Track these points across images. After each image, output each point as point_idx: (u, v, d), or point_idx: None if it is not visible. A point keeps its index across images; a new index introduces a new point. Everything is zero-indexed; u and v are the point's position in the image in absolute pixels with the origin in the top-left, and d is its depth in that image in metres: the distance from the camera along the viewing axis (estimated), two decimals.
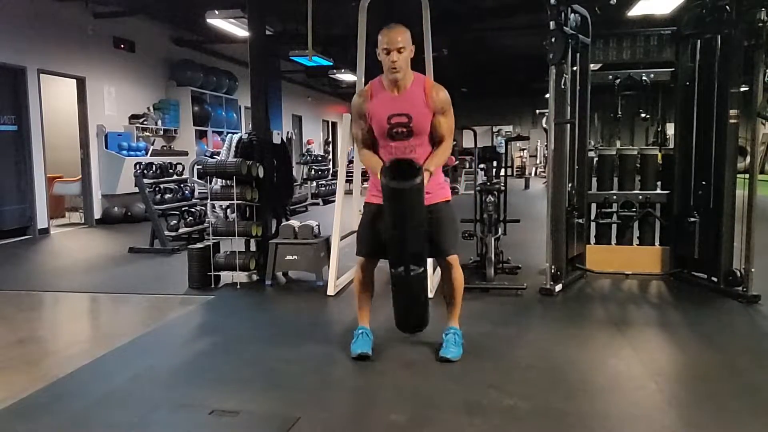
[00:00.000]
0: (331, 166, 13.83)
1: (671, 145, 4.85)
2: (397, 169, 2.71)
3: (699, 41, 4.44)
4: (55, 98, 8.93)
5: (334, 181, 11.42)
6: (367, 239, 3.03)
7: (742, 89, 4.12)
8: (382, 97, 2.89)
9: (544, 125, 13.79)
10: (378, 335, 3.15)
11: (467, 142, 17.24)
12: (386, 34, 2.77)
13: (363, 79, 4.46)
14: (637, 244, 4.95)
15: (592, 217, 5.02)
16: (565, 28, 4.18)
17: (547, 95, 4.32)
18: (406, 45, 2.77)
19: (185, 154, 9.80)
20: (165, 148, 10.05)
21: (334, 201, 5.85)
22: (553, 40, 4.09)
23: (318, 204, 11.25)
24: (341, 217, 4.51)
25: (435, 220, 2.93)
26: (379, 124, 2.86)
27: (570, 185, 4.55)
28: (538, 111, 14.85)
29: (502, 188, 5.07)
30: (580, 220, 4.65)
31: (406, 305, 3.01)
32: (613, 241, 4.99)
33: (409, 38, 2.81)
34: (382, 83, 2.90)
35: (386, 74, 2.84)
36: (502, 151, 5.73)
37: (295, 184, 9.10)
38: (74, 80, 8.41)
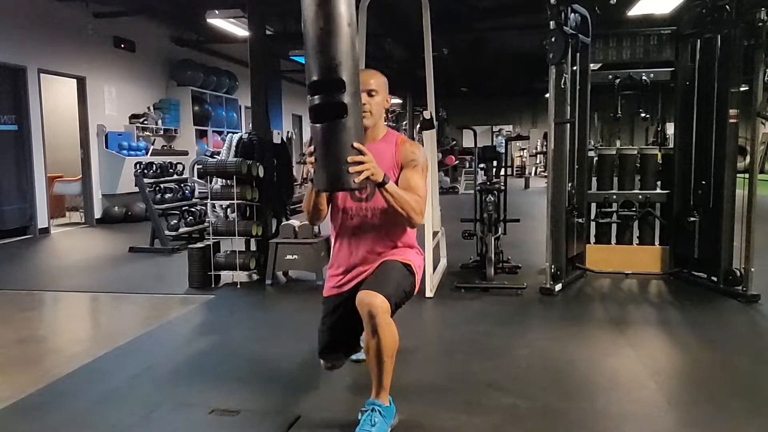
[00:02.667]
0: None
1: (671, 145, 4.86)
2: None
3: (699, 41, 4.44)
4: (55, 98, 8.94)
5: None
6: (328, 330, 2.49)
7: (741, 89, 4.12)
8: None
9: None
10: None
11: (467, 141, 17.30)
12: (359, 74, 2.13)
13: None
14: (637, 244, 4.95)
15: (592, 217, 5.02)
16: (564, 27, 4.18)
17: (547, 95, 4.32)
18: (380, 90, 2.31)
19: (185, 153, 9.81)
20: (165, 148, 10.06)
21: None
22: (553, 39, 4.09)
23: None
24: None
25: (377, 269, 2.32)
26: None
27: (570, 185, 4.56)
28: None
29: (502, 188, 5.08)
30: (580, 220, 4.65)
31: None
32: (613, 240, 4.99)
33: (385, 85, 2.35)
34: None
35: None
36: (502, 150, 5.73)
37: (295, 183, 9.09)
38: (74, 80, 8.42)
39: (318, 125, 1.99)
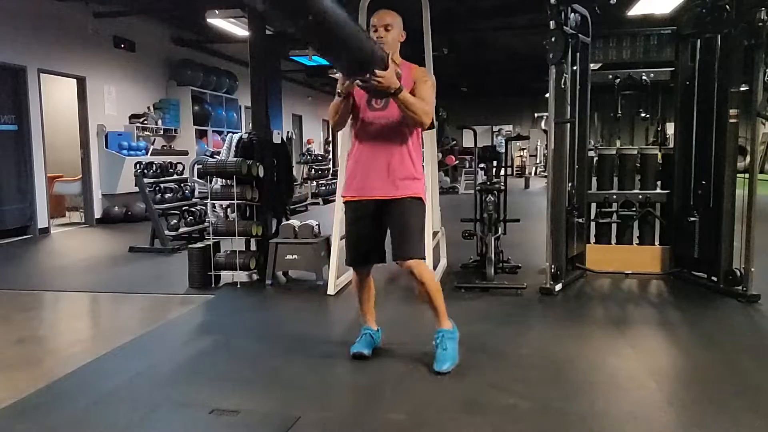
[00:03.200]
0: (331, 166, 13.83)
1: (671, 145, 4.86)
2: None
3: (699, 41, 4.44)
4: (55, 98, 8.94)
5: (334, 181, 11.42)
6: (355, 244, 2.94)
7: (742, 89, 4.12)
8: None
9: (543, 127, 13.82)
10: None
11: (467, 141, 17.30)
12: (376, 14, 2.86)
13: None
14: (637, 244, 4.95)
15: (592, 217, 5.02)
16: (565, 27, 4.17)
17: (547, 95, 4.32)
18: (394, 25, 2.81)
19: (185, 153, 9.80)
20: (165, 148, 10.06)
21: (334, 200, 5.85)
22: (553, 39, 4.09)
23: (318, 203, 11.26)
24: (341, 217, 4.50)
25: (398, 218, 2.80)
26: (360, 94, 2.82)
27: (570, 185, 4.56)
28: (536, 114, 14.83)
29: (502, 188, 5.08)
30: (580, 220, 4.65)
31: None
32: (613, 240, 4.99)
33: (399, 22, 2.84)
34: None
35: None
36: (502, 150, 5.74)
37: (295, 183, 9.10)
38: (74, 80, 8.42)
39: None
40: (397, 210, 2.80)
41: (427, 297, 2.86)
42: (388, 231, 2.88)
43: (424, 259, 2.85)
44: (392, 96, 2.62)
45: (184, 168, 7.79)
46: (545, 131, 13.31)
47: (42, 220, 7.67)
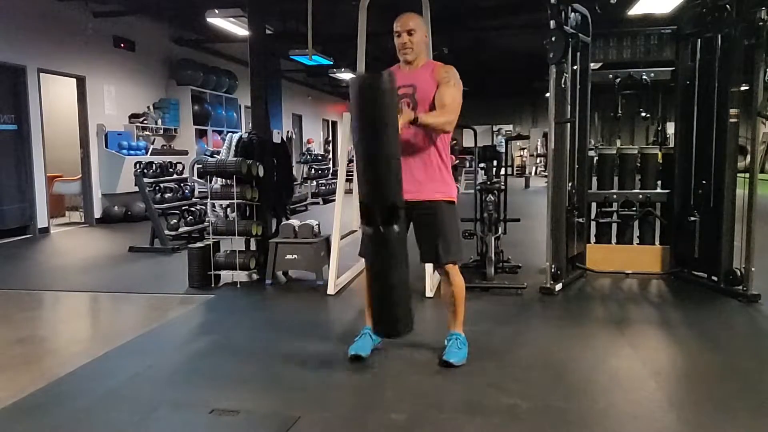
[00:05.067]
0: (331, 166, 13.82)
1: (671, 145, 4.85)
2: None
3: (699, 40, 4.44)
4: (55, 97, 8.93)
5: (334, 181, 11.43)
6: None
7: (742, 88, 4.12)
8: (396, 72, 2.87)
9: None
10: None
11: (467, 141, 17.27)
12: (398, 19, 2.89)
13: None
14: (638, 244, 4.95)
15: (593, 217, 5.02)
16: (565, 27, 4.17)
17: (548, 94, 4.32)
18: (417, 28, 2.85)
19: (185, 153, 9.80)
20: (165, 148, 10.05)
21: (334, 200, 5.85)
22: (553, 39, 4.09)
23: (318, 203, 11.26)
24: (341, 217, 4.51)
25: (433, 220, 2.84)
26: None
27: (570, 184, 4.55)
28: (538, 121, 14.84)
29: (503, 187, 5.07)
30: (581, 220, 4.64)
31: (382, 286, 2.57)
32: (614, 240, 4.99)
33: (421, 23, 2.91)
34: (399, 66, 2.97)
35: (399, 56, 2.93)
36: (503, 150, 5.73)
37: (295, 183, 9.10)
38: (74, 79, 8.41)
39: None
40: (430, 213, 2.83)
41: (453, 300, 2.94)
42: (416, 233, 2.89)
43: (462, 260, 2.93)
44: (413, 124, 2.68)
45: (183, 168, 7.78)
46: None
47: (42, 220, 7.66)
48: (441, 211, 2.85)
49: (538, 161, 19.00)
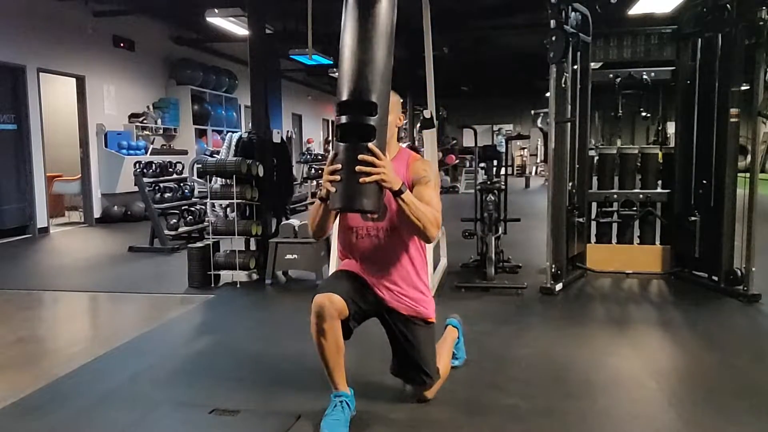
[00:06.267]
0: None
1: (672, 144, 4.85)
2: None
3: (700, 40, 4.44)
4: (54, 97, 8.93)
5: None
6: (340, 277, 2.39)
7: (742, 88, 4.11)
8: None
9: (539, 124, 13.80)
10: (376, 334, 2.63)
11: (468, 140, 17.30)
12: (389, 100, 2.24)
13: None
14: (638, 243, 4.94)
15: (593, 216, 5.02)
16: (565, 26, 4.17)
17: (548, 94, 4.32)
18: (391, 110, 2.19)
19: (185, 152, 9.79)
20: (165, 147, 10.05)
21: None
22: (553, 38, 4.09)
23: None
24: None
25: (404, 336, 2.38)
26: None
27: (570, 184, 4.55)
28: (533, 111, 14.80)
29: (503, 187, 5.07)
30: (581, 219, 4.64)
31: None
32: (614, 240, 4.99)
33: (397, 104, 2.35)
34: None
35: None
36: (503, 149, 5.73)
37: (295, 183, 9.09)
38: (74, 79, 8.40)
39: (342, 144, 2.02)
40: (403, 328, 2.39)
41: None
42: (389, 335, 2.46)
43: (439, 376, 2.49)
44: (394, 196, 2.09)
45: (183, 167, 7.78)
46: (542, 129, 13.35)
47: (41, 220, 7.66)
48: (415, 332, 2.40)
49: (538, 161, 19.00)
